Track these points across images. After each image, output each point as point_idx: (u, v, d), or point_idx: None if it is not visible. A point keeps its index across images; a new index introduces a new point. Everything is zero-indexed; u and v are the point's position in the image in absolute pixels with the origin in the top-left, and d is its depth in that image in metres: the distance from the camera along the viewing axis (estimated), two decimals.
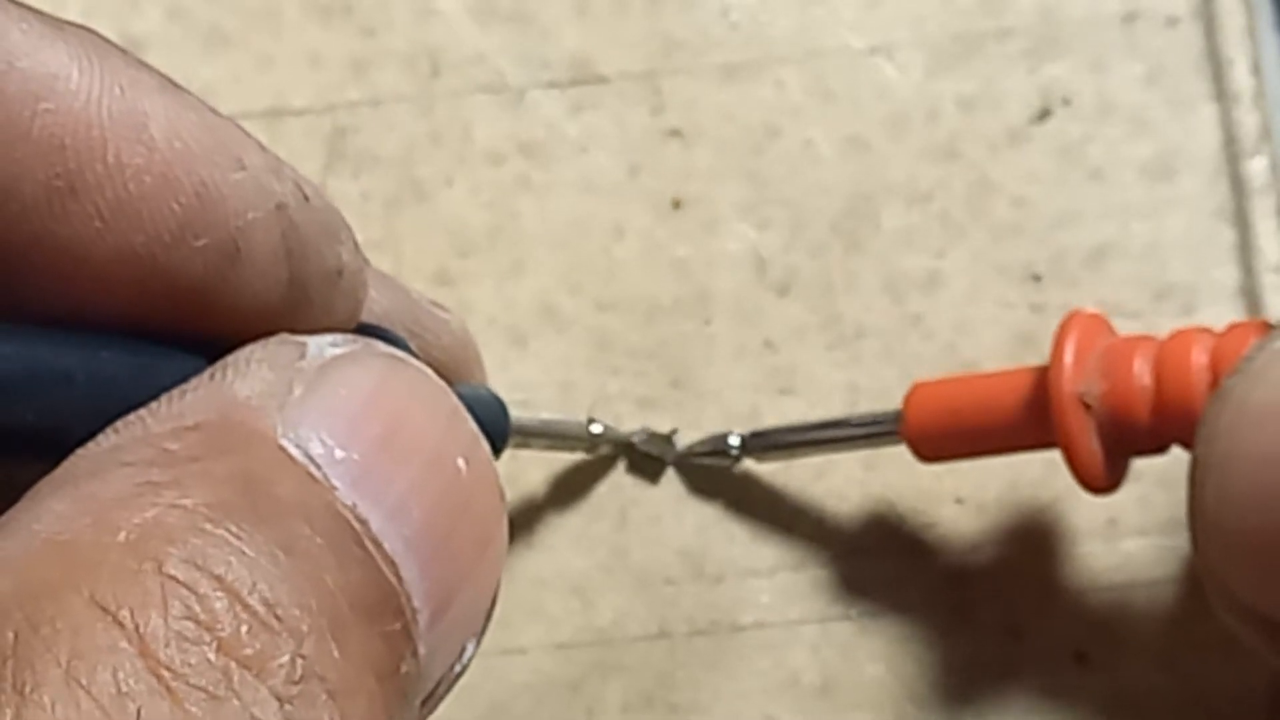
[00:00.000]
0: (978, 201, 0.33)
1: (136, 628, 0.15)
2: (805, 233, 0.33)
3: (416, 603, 0.18)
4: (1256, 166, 0.32)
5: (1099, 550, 0.31)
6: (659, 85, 0.33)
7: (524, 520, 0.31)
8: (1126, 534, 0.31)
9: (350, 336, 0.19)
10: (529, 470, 0.32)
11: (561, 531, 0.31)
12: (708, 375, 0.32)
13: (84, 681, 0.15)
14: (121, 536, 0.16)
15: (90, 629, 0.15)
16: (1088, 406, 0.27)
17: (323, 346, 0.19)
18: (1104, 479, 0.28)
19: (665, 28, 0.33)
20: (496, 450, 0.21)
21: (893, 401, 0.30)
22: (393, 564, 0.17)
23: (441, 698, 0.19)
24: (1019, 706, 0.30)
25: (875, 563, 0.31)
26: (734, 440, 0.31)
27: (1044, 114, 0.33)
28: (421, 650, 0.18)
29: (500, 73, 0.33)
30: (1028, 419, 0.28)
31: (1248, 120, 0.33)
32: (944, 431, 0.29)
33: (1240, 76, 0.33)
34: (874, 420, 0.30)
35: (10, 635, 0.15)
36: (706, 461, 0.31)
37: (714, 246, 0.33)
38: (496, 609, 0.19)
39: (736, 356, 0.32)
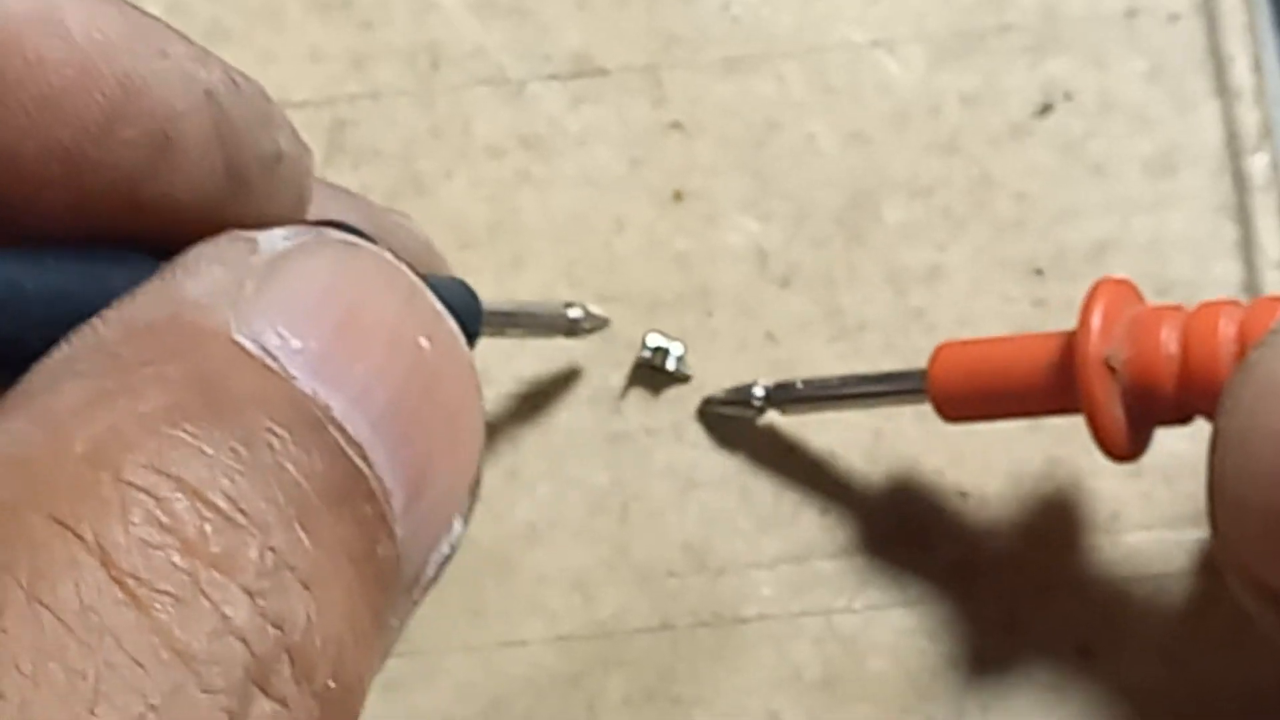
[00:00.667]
0: (979, 196, 0.32)
1: (96, 539, 0.15)
2: (807, 226, 0.32)
3: (389, 484, 0.17)
4: (1258, 163, 0.32)
5: (1102, 544, 0.31)
6: (660, 78, 0.33)
7: (524, 514, 0.31)
8: (1130, 528, 0.31)
9: (303, 228, 0.19)
10: (530, 464, 0.31)
11: (563, 525, 0.31)
12: (709, 368, 0.32)
13: (46, 600, 0.14)
14: (78, 448, 0.15)
15: (48, 546, 0.15)
16: (1113, 371, 0.27)
17: (274, 240, 0.18)
18: (1126, 446, 0.27)
19: (666, 21, 0.33)
20: (471, 338, 0.20)
21: None
22: (359, 447, 0.17)
23: (434, 580, 0.19)
24: (1022, 700, 0.30)
25: (878, 556, 0.31)
26: (758, 391, 0.31)
27: (1045, 109, 0.33)
28: (399, 532, 0.17)
29: (500, 66, 0.33)
30: (1053, 383, 0.28)
31: (1249, 117, 0.33)
32: (968, 392, 0.29)
33: (1241, 73, 0.33)
34: (899, 377, 0.30)
35: None
36: (730, 411, 0.31)
37: (715, 239, 0.33)
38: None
39: (738, 349, 0.32)
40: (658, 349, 0.32)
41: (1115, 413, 0.27)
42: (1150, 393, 0.27)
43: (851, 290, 0.32)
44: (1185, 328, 0.27)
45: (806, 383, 0.31)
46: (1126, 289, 0.28)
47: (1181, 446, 0.31)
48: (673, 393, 0.32)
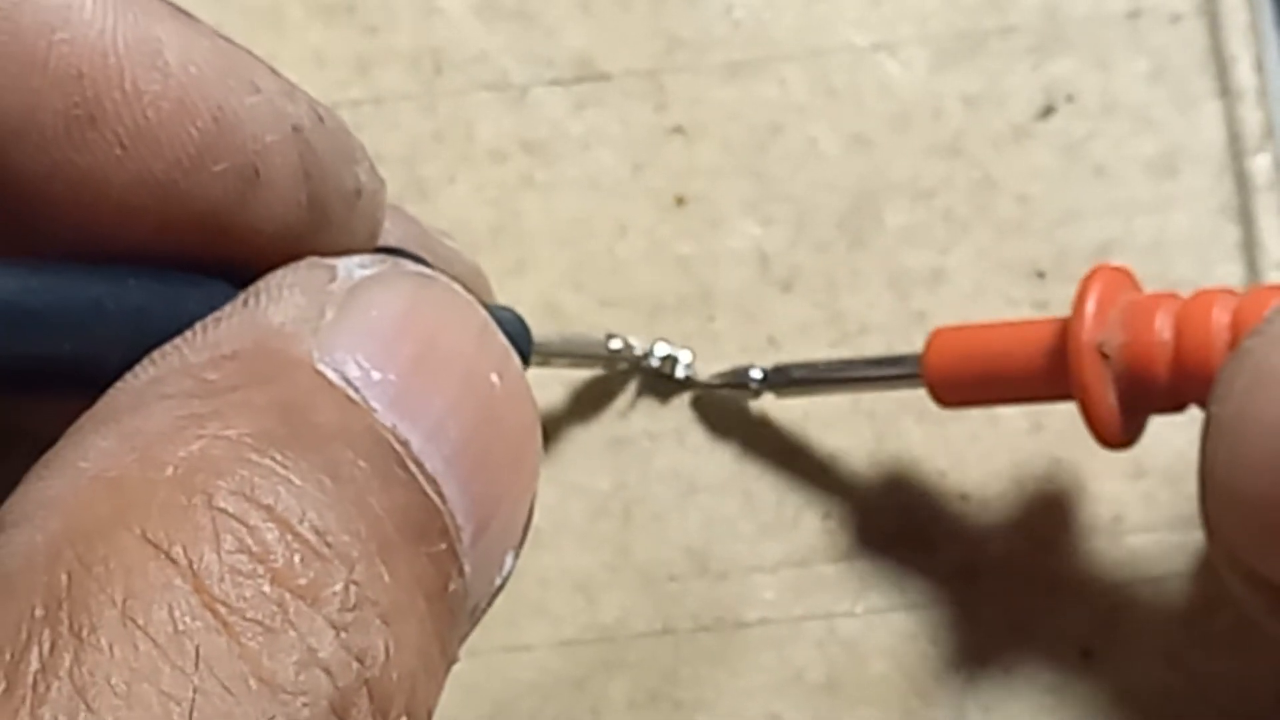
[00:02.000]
0: (981, 198, 0.32)
1: (190, 564, 0.15)
2: (809, 230, 0.33)
3: (460, 520, 0.18)
4: (1260, 163, 0.32)
5: (1104, 546, 0.31)
6: (662, 83, 0.33)
7: None
8: (1132, 530, 0.31)
9: (378, 257, 0.19)
10: None
11: (565, 529, 0.31)
12: (712, 372, 0.32)
13: (140, 621, 0.14)
14: (169, 471, 0.16)
15: (144, 567, 0.15)
16: (1106, 357, 0.27)
17: (351, 268, 0.19)
18: (1119, 433, 0.27)
19: (669, 25, 0.33)
20: None
21: (897, 398, 0.31)
22: (435, 483, 0.17)
23: (484, 611, 0.19)
24: (1025, 703, 0.30)
25: (880, 559, 0.31)
26: (756, 374, 0.31)
27: (1048, 111, 0.33)
28: (467, 568, 0.18)
29: (503, 71, 0.33)
30: (1047, 368, 0.28)
31: (1251, 117, 0.33)
32: (963, 376, 0.29)
33: (1244, 73, 0.33)
34: (895, 361, 0.30)
35: (64, 577, 0.15)
36: (726, 394, 0.31)
37: (717, 244, 0.33)
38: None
39: (740, 353, 0.32)
40: (666, 357, 0.32)
41: (1108, 399, 0.27)
42: (1143, 380, 0.27)
43: (853, 294, 0.32)
44: (1179, 315, 0.27)
45: (803, 366, 0.31)
46: (1123, 276, 0.28)
47: (1184, 447, 0.31)
48: (674, 398, 0.32)
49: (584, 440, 0.32)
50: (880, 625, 0.31)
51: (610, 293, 0.32)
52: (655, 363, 0.32)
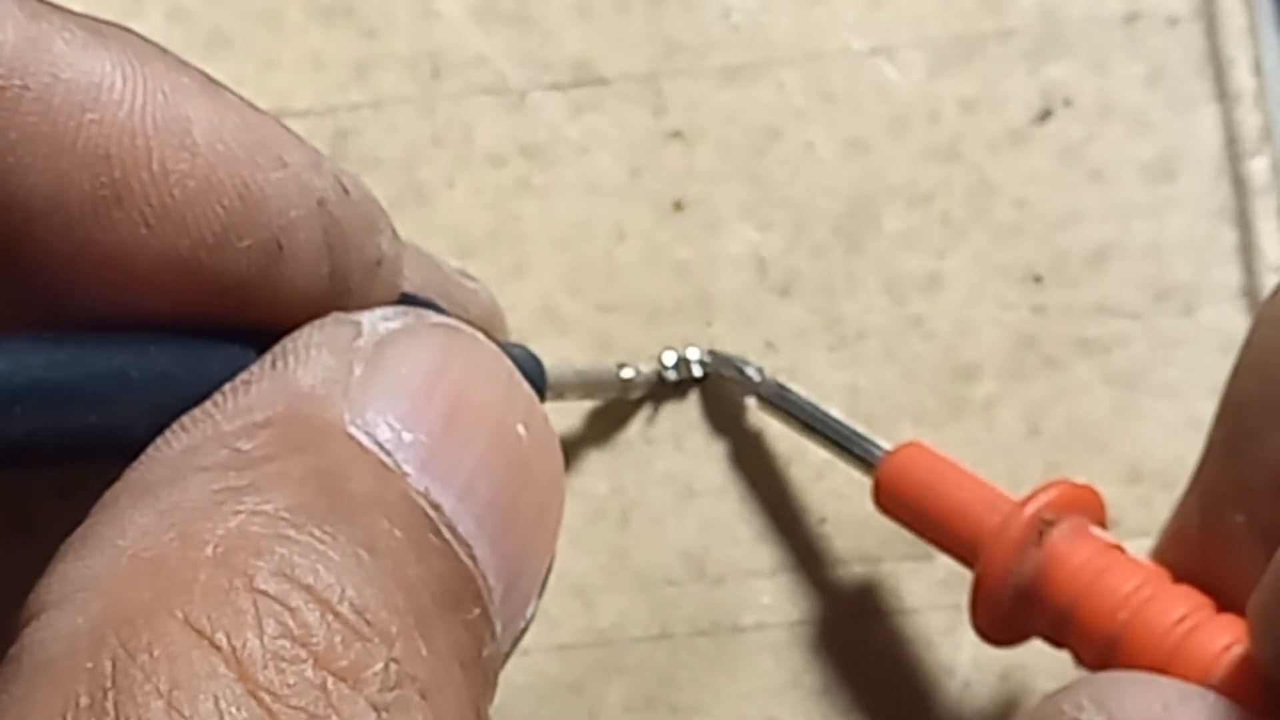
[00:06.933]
0: (978, 202, 0.33)
1: (234, 650, 0.15)
2: (806, 234, 0.33)
3: (491, 581, 0.18)
4: (1258, 166, 0.32)
5: None
6: (660, 87, 0.33)
7: None
8: (1129, 534, 0.31)
9: (402, 309, 0.19)
10: None
11: (563, 533, 0.31)
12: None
13: (186, 713, 0.14)
14: (209, 551, 0.16)
15: (188, 655, 0.15)
16: (1040, 535, 0.26)
17: (376, 322, 0.19)
18: (999, 611, 0.26)
19: (666, 29, 0.34)
20: None
21: (894, 403, 0.31)
22: (467, 546, 0.17)
23: (508, 657, 0.19)
24: (1022, 708, 0.30)
25: (877, 563, 0.31)
26: (753, 374, 0.31)
27: (1045, 115, 0.33)
28: (498, 627, 0.18)
29: (502, 75, 0.34)
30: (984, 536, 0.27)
31: (1249, 120, 0.33)
32: (908, 499, 0.28)
33: (1241, 76, 0.33)
34: (866, 444, 0.29)
35: (108, 664, 0.15)
36: (724, 394, 0.32)
37: (715, 248, 0.33)
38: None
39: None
40: (679, 361, 0.32)
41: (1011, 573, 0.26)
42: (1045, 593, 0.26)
43: (851, 298, 0.32)
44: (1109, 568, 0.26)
45: (797, 397, 0.31)
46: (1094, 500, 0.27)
47: (1181, 451, 0.31)
48: (672, 403, 0.32)
49: (581, 444, 0.32)
50: (877, 630, 0.31)
51: (608, 297, 0.32)
52: (670, 373, 0.32)
